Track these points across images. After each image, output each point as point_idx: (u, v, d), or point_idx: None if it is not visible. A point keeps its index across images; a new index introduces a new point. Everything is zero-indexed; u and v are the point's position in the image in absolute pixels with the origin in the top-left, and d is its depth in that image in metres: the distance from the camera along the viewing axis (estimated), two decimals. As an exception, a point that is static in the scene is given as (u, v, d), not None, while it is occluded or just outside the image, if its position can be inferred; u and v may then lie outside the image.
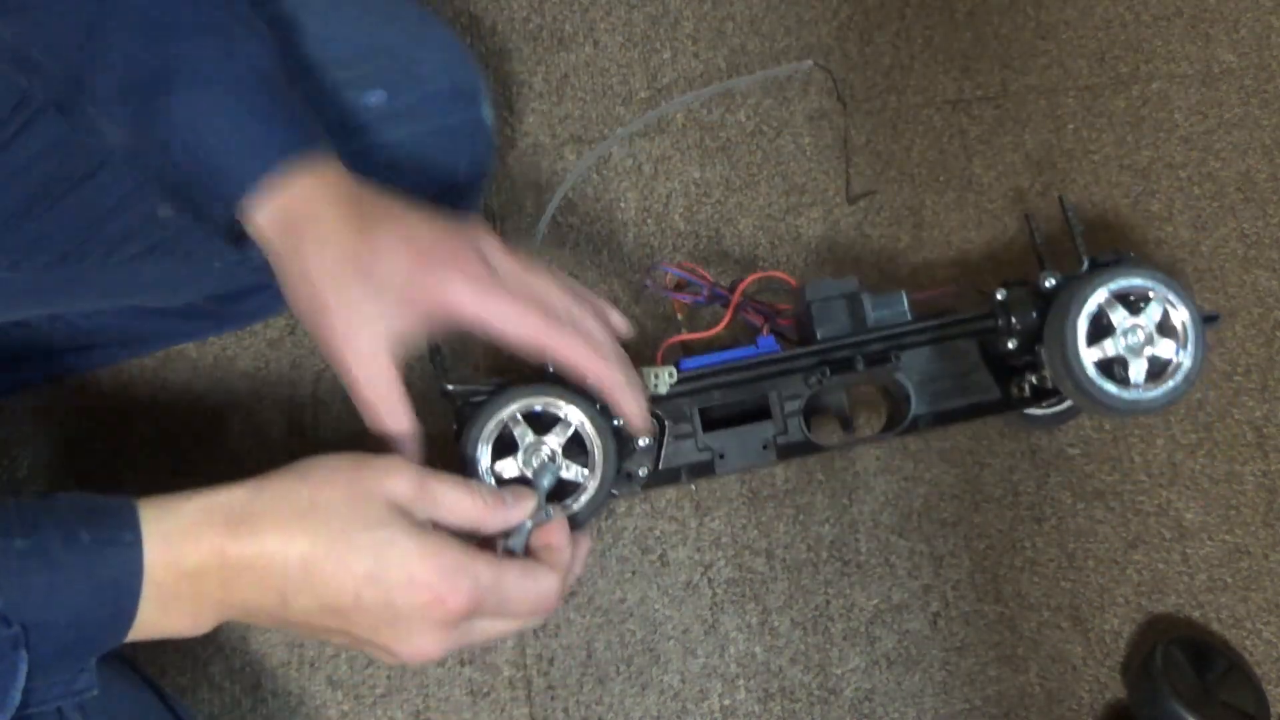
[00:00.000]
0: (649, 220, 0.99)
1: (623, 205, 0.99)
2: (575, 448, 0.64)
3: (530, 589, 0.54)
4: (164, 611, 0.49)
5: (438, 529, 0.53)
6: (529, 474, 0.63)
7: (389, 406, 0.57)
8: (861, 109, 1.03)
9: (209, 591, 0.49)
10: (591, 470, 0.63)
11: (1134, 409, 0.68)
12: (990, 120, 1.04)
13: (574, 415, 0.62)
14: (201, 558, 0.48)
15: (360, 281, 0.56)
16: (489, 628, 0.54)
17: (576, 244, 0.98)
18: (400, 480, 0.52)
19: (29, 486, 0.91)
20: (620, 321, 0.65)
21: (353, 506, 0.50)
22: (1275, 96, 1.06)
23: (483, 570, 0.52)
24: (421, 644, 0.51)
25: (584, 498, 0.63)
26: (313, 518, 0.50)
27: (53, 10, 0.58)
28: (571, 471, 0.63)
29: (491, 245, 0.59)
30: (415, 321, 0.57)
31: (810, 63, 1.02)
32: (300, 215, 0.57)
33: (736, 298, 0.79)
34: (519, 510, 0.57)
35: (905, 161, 1.02)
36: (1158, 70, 1.06)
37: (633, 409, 0.62)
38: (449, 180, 0.80)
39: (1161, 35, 1.07)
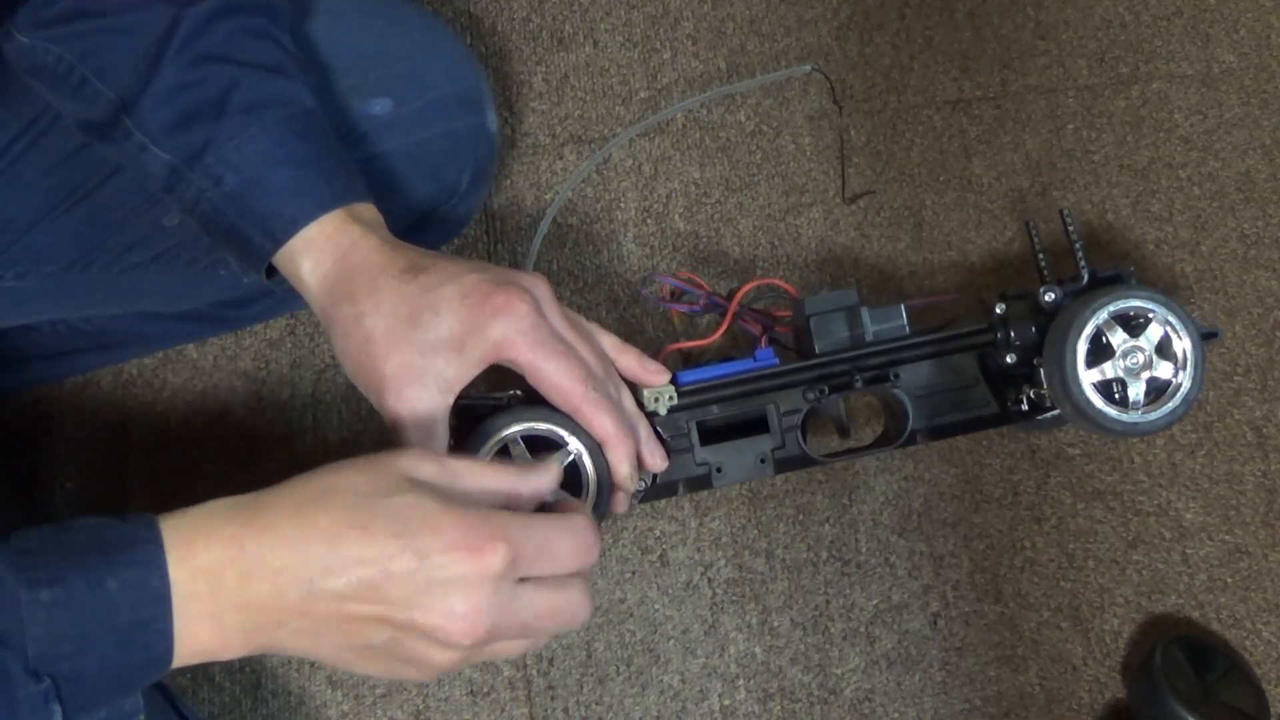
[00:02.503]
0: (649, 220, 0.99)
1: (623, 205, 0.99)
2: (568, 475, 0.62)
3: (565, 528, 0.51)
4: (184, 619, 0.46)
5: (464, 499, 0.51)
6: None
7: None
8: (861, 109, 1.03)
9: (228, 592, 0.46)
10: (583, 503, 0.62)
11: (1132, 431, 0.68)
12: (990, 120, 1.04)
13: (574, 445, 0.62)
14: (216, 551, 0.46)
15: (418, 340, 0.56)
16: (535, 598, 0.50)
17: (576, 244, 0.98)
18: (420, 460, 0.50)
19: (31, 485, 0.91)
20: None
21: (371, 484, 0.48)
22: (1275, 96, 1.06)
23: (512, 521, 0.49)
24: (465, 608, 0.47)
25: None
26: (330, 499, 0.48)
27: (121, 34, 0.59)
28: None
29: (544, 295, 0.59)
30: (470, 368, 0.57)
31: (809, 67, 1.02)
32: (354, 266, 0.58)
33: (733, 307, 0.79)
34: (547, 477, 0.55)
35: (905, 162, 1.02)
36: (1158, 70, 1.06)
37: (628, 483, 0.62)
38: (453, 186, 0.80)
39: (1161, 35, 1.07)
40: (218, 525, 0.47)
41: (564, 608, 0.50)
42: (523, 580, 0.49)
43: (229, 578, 0.46)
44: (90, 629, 0.44)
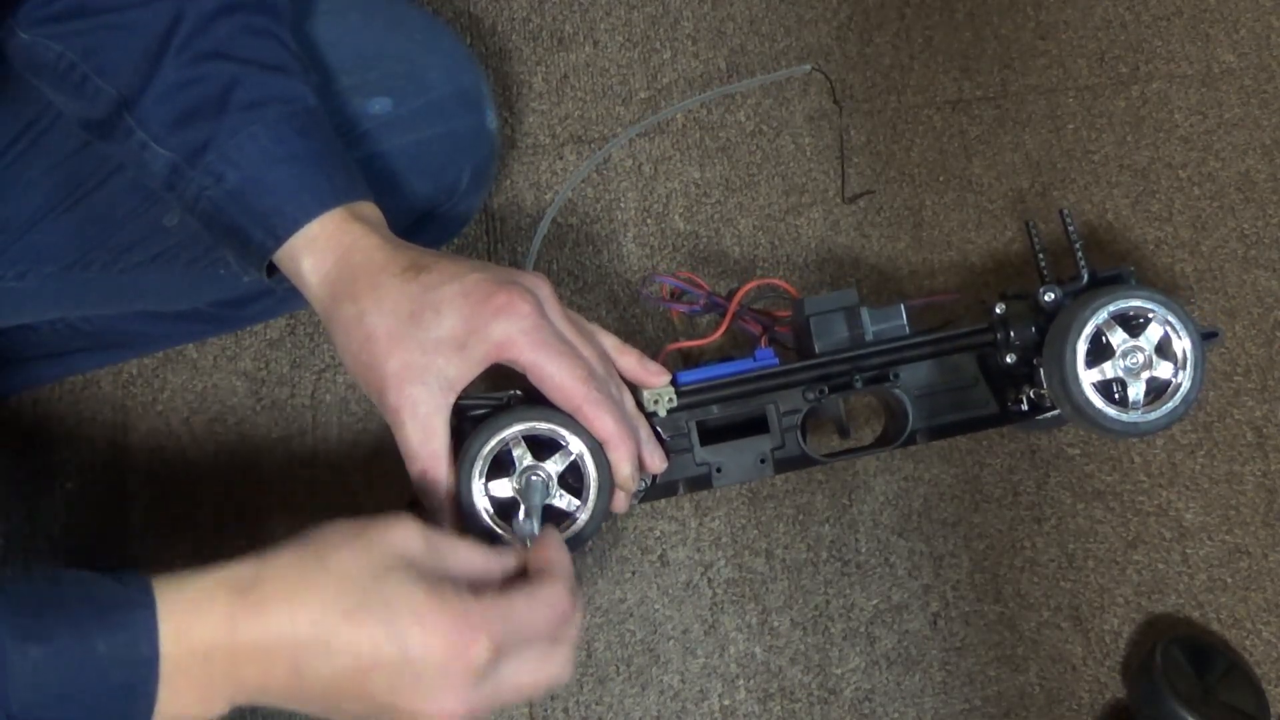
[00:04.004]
0: (649, 220, 0.99)
1: (623, 205, 0.99)
2: (569, 475, 0.62)
3: (544, 601, 0.51)
4: (171, 690, 0.46)
5: (449, 581, 0.51)
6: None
7: (435, 463, 0.58)
8: (861, 109, 1.03)
9: (217, 674, 0.47)
10: (584, 502, 0.62)
11: (1132, 431, 0.69)
12: (990, 120, 1.04)
13: (575, 445, 0.61)
14: (209, 632, 0.47)
15: (419, 338, 0.56)
16: (517, 672, 0.50)
17: (576, 244, 0.98)
18: (408, 534, 0.50)
19: (31, 485, 0.91)
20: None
21: (361, 565, 0.49)
22: (1275, 96, 1.06)
23: (494, 608, 0.49)
24: (446, 702, 0.48)
25: (573, 528, 0.62)
26: (321, 580, 0.48)
27: (122, 31, 0.59)
28: (564, 501, 0.62)
29: (546, 295, 0.59)
30: (471, 368, 0.57)
31: (809, 66, 1.03)
32: (355, 264, 0.58)
33: (733, 307, 0.79)
34: (520, 558, 0.55)
35: (905, 161, 1.02)
36: (1158, 70, 1.06)
37: (629, 483, 0.62)
38: (453, 186, 0.80)
39: (1161, 35, 1.07)
40: (212, 601, 0.47)
41: (543, 680, 0.51)
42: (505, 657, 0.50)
43: (219, 657, 0.47)
44: (75, 688, 0.45)
